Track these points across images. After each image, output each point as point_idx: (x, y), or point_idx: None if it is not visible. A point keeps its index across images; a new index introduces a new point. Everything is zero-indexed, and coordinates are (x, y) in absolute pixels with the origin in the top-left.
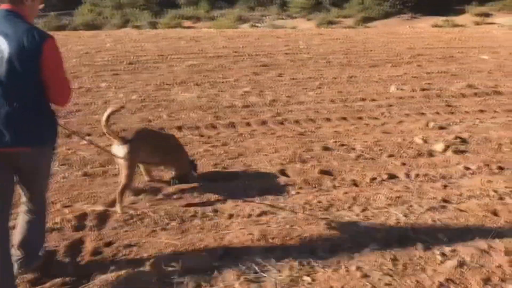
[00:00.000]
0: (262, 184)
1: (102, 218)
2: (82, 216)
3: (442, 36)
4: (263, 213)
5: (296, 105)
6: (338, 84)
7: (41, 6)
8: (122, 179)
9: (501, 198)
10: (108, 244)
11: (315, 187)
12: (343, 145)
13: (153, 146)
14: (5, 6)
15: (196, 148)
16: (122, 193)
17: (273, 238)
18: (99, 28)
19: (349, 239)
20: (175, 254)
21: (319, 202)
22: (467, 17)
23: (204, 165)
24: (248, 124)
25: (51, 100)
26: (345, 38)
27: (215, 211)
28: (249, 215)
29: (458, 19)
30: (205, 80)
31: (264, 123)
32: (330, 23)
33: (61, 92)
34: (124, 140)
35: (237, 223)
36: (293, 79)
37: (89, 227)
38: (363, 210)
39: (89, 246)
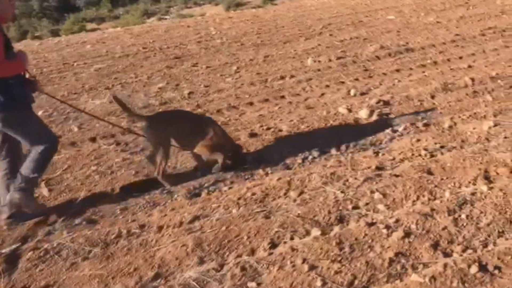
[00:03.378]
0: (190, 186)
1: (11, 260)
2: None
3: (348, 3)
4: (195, 218)
5: (216, 94)
6: (255, 65)
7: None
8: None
9: (432, 156)
10: None
11: (247, 178)
12: (269, 128)
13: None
14: None
15: (114, 158)
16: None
17: (209, 245)
18: None
19: (290, 229)
20: (102, 287)
21: (254, 194)
22: None
23: (124, 177)
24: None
25: None
26: (255, 18)
27: (142, 226)
28: (180, 223)
29: None
30: (116, 82)
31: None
32: (238, 5)
33: None
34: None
35: (168, 235)
36: (209, 67)
37: None
38: (300, 194)
39: None
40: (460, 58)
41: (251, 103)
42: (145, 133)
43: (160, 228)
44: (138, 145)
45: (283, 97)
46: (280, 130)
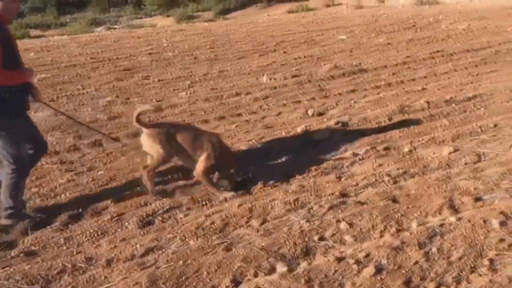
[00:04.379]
0: (142, 212)
1: None
2: None
3: (300, 21)
4: (149, 250)
5: (169, 109)
6: (210, 80)
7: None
8: None
9: (396, 182)
10: None
11: (205, 204)
12: None
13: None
14: None
15: (57, 179)
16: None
17: (165, 283)
18: None
19: (254, 264)
20: None
21: (213, 223)
22: (317, 0)
23: (69, 200)
24: (116, 139)
25: None
26: (208, 32)
27: (89, 259)
28: (132, 257)
29: (310, 3)
30: (61, 94)
31: (136, 135)
32: (190, 17)
33: None
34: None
35: (118, 270)
36: (161, 80)
37: None
38: (263, 223)
39: None
40: (413, 80)
41: (206, 121)
42: (147, 142)
43: (109, 261)
44: (84, 164)
45: (239, 114)
46: (238, 151)
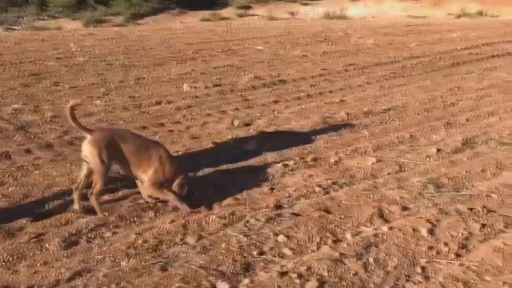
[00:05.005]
0: (65, 232)
1: None
2: None
3: (215, 29)
4: (76, 274)
5: (84, 118)
6: (127, 88)
7: None
8: None
9: (327, 192)
10: None
11: (133, 221)
12: None
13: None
14: None
15: None
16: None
17: None
18: None
19: (193, 284)
20: None
21: (145, 241)
22: (231, 10)
23: None
24: (28, 151)
25: None
26: (120, 37)
27: None
28: (57, 282)
29: (223, 12)
30: None
31: (49, 146)
32: (99, 22)
33: None
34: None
35: None
36: (74, 87)
37: None
38: (199, 239)
39: None
40: (331, 92)
41: None
42: (85, 149)
43: None
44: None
45: (162, 124)
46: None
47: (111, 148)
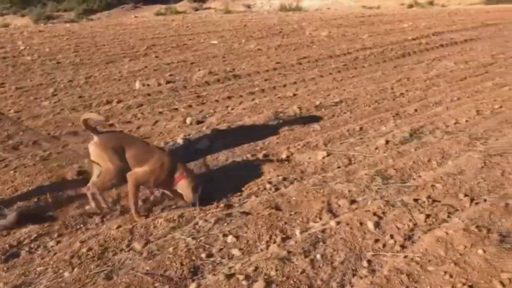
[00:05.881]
0: (5, 244)
1: None
2: None
3: (169, 24)
4: None
5: (31, 121)
6: (76, 87)
7: None
8: None
9: (277, 189)
10: None
11: (79, 228)
12: None
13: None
14: None
15: None
16: None
17: None
18: None
19: None
20: None
21: (90, 249)
22: (186, 3)
23: None
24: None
25: None
26: (71, 34)
27: None
28: None
29: (178, 6)
30: None
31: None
32: (49, 18)
33: None
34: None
35: None
36: (20, 88)
37: None
38: (146, 245)
39: None
40: (284, 86)
41: (75, 133)
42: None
43: None
44: None
45: (112, 125)
46: None
47: (118, 150)
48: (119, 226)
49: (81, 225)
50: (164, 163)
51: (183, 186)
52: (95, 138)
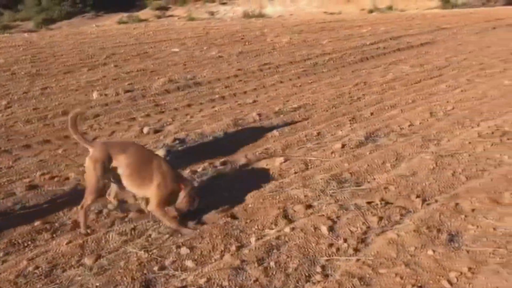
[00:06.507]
0: None
1: None
2: None
3: (131, 33)
4: None
5: None
6: (31, 99)
7: None
8: None
9: (234, 197)
10: None
11: (27, 245)
12: (53, 177)
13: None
14: None
15: None
16: None
17: None
18: None
19: None
20: None
21: (37, 267)
22: (148, 11)
23: None
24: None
25: None
26: (28, 44)
27: None
28: None
29: (141, 14)
30: None
31: None
32: (6, 28)
33: None
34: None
35: None
36: None
37: None
38: (97, 260)
39: None
40: (245, 92)
41: (28, 146)
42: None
43: None
44: None
45: (67, 137)
46: (67, 178)
47: (109, 164)
48: (69, 242)
49: (29, 242)
50: (166, 175)
51: (185, 197)
52: (90, 150)
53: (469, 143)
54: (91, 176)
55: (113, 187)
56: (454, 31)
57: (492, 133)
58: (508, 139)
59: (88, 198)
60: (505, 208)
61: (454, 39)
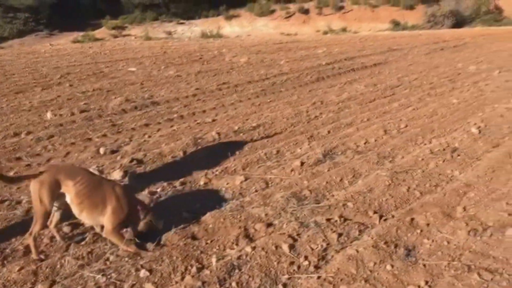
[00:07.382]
0: None
1: None
2: None
3: (87, 52)
4: None
5: None
6: None
7: None
8: None
9: (194, 218)
10: None
11: None
12: (3, 201)
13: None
14: None
15: None
16: None
17: None
18: None
19: None
20: None
21: None
22: (104, 30)
23: None
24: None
25: None
26: None
27: None
28: None
29: (97, 33)
30: None
31: None
32: None
33: None
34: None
35: None
36: None
37: None
38: (51, 286)
39: None
40: (204, 112)
41: None
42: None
43: None
44: None
45: (19, 158)
46: (19, 202)
47: (56, 189)
48: (21, 268)
49: None
50: (120, 197)
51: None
52: (32, 181)
53: (422, 159)
54: (36, 201)
55: (56, 215)
56: (405, 52)
57: (444, 149)
58: (458, 155)
59: (37, 224)
60: (457, 222)
61: (405, 60)
